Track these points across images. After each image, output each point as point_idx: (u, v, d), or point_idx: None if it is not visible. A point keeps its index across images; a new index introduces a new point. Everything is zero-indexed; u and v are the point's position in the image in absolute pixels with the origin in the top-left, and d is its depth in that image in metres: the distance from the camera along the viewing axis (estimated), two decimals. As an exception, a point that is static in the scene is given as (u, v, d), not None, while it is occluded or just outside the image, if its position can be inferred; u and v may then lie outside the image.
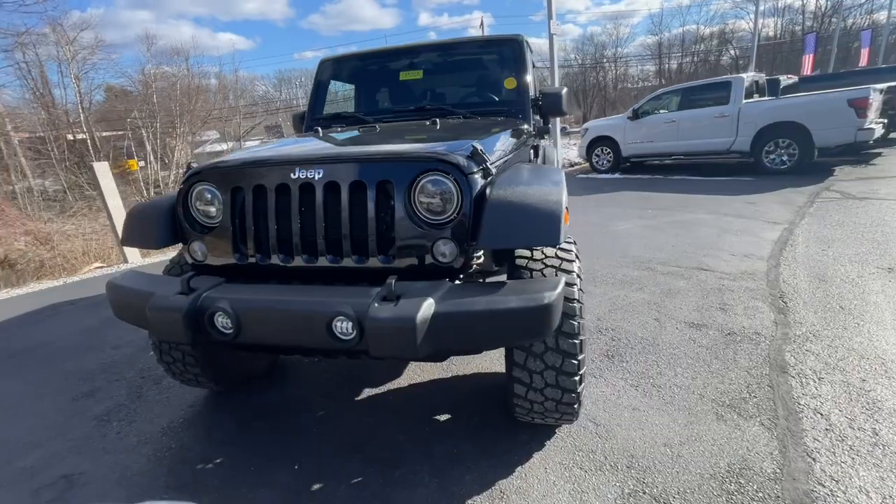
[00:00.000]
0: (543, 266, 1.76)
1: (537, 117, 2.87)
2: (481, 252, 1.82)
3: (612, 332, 2.88)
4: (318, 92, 3.17)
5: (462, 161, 1.60)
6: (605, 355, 2.63)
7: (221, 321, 1.58)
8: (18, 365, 3.11)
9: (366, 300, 1.44)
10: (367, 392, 2.44)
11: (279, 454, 2.00)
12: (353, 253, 1.67)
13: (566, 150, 15.89)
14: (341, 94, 3.26)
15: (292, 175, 1.68)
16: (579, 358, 1.68)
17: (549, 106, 2.79)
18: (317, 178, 1.67)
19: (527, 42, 3.04)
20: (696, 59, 44.41)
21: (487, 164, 1.65)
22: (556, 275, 1.70)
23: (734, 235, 4.82)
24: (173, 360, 2.15)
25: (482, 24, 37.96)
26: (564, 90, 2.77)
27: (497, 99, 2.96)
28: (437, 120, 2.28)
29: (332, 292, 1.55)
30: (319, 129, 2.60)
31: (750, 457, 1.81)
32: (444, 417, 2.18)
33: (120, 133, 26.69)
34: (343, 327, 1.46)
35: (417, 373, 2.58)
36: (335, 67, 3.19)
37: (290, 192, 1.69)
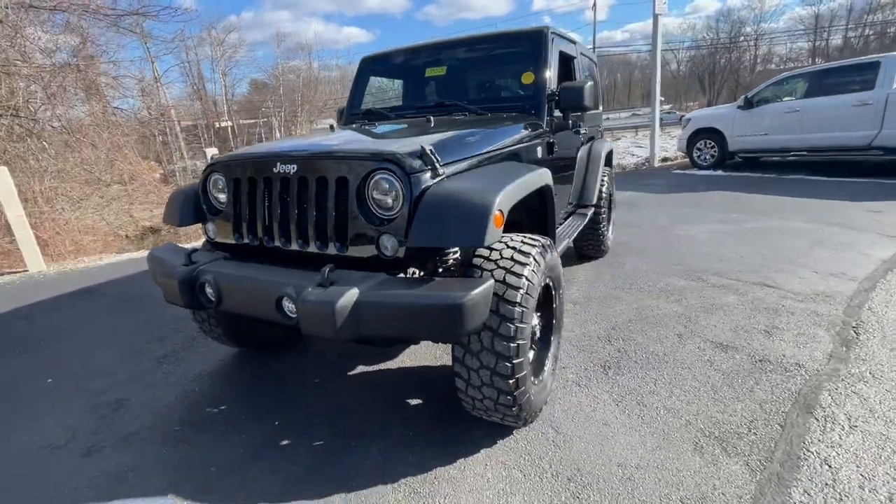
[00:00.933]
0: (495, 267, 1.76)
1: (558, 112, 2.76)
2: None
3: (622, 343, 2.71)
4: (357, 88, 3.41)
5: (406, 161, 1.67)
6: (601, 366, 2.50)
7: (208, 290, 1.89)
8: (127, 308, 3.92)
9: (306, 284, 1.61)
10: (361, 369, 2.65)
11: (270, 411, 2.30)
12: (316, 240, 1.85)
13: (664, 141, 14.50)
14: (377, 88, 3.46)
15: (274, 169, 1.92)
16: (514, 361, 1.68)
17: (567, 101, 2.67)
18: (291, 172, 1.88)
19: (556, 35, 2.92)
20: (867, 33, 36.78)
21: (437, 164, 1.70)
22: (505, 277, 1.70)
23: (829, 250, 4.08)
24: (202, 320, 2.58)
25: (595, 6, 35.72)
26: (588, 84, 2.62)
27: (513, 94, 2.91)
28: (432, 118, 2.35)
29: (289, 274, 1.75)
30: (353, 124, 2.85)
31: (712, 496, 1.64)
32: (415, 402, 2.30)
33: (255, 121, 30.73)
34: (289, 306, 1.66)
35: (411, 357, 2.72)
36: (372, 65, 3.39)
37: (273, 183, 1.93)
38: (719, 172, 9.01)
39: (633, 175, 9.92)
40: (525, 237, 1.91)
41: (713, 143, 9.42)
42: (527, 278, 1.72)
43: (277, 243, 1.95)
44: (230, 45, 29.69)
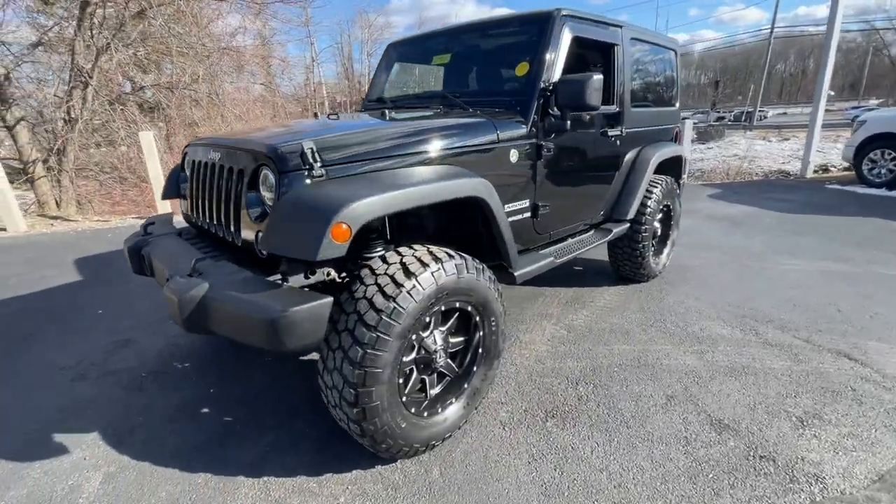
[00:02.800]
0: (373, 283, 1.61)
1: (556, 111, 2.35)
2: None
3: (589, 391, 2.28)
4: (377, 74, 3.36)
5: (281, 159, 1.60)
6: (545, 411, 2.14)
7: (147, 262, 2.09)
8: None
9: (183, 269, 1.67)
10: (315, 356, 2.70)
11: (214, 377, 2.49)
12: (225, 228, 1.91)
13: (825, 147, 11.59)
14: (399, 75, 3.37)
15: (208, 156, 2.01)
16: (360, 390, 1.53)
17: (565, 97, 2.25)
18: (216, 160, 1.95)
19: (572, 18, 2.46)
20: None
21: (315, 164, 1.59)
22: (373, 296, 1.55)
23: None
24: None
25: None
26: (593, 77, 2.17)
27: (506, 88, 2.56)
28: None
29: (189, 258, 1.84)
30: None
31: None
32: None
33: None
34: (174, 287, 1.75)
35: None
36: (396, 51, 3.30)
37: (207, 169, 2.03)
38: (894, 193, 6.91)
39: (766, 186, 8.16)
40: (427, 252, 1.70)
41: (895, 154, 7.23)
42: (396, 302, 1.53)
43: (206, 226, 2.06)
44: (377, 28, 31.96)
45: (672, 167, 3.69)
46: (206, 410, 2.22)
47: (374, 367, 1.52)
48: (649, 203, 3.26)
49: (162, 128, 10.79)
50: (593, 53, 3.10)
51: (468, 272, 1.76)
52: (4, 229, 6.61)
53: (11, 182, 10.03)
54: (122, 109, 9.77)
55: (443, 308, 1.76)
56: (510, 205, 2.31)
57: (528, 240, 2.53)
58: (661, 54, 3.52)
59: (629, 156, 3.19)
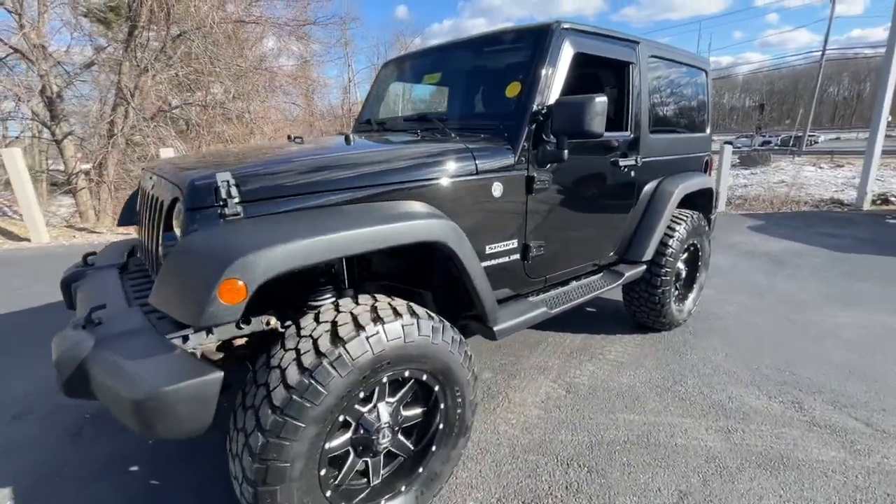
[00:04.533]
0: (293, 347, 1.30)
1: (552, 139, 2.01)
2: None
3: (584, 476, 1.86)
4: (370, 94, 3.13)
5: (190, 193, 1.33)
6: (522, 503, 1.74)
7: (75, 299, 1.87)
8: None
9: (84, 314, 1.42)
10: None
11: (182, 451, 2.23)
12: (150, 266, 1.66)
13: (885, 176, 10.59)
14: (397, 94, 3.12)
15: (149, 182, 1.79)
16: (260, 489, 1.20)
17: (561, 122, 1.90)
18: (150, 188, 1.72)
19: (574, 32, 2.13)
20: None
21: (229, 200, 1.31)
22: (287, 366, 1.24)
23: None
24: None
25: (836, -5, 28.32)
26: (595, 100, 1.82)
27: (495, 110, 2.24)
28: (352, 136, 1.90)
29: (102, 298, 1.59)
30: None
31: None
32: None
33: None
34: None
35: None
36: (390, 70, 3.05)
37: (146, 197, 1.80)
38: (969, 232, 6.08)
39: (815, 218, 7.41)
40: (369, 309, 1.39)
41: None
42: (314, 378, 1.22)
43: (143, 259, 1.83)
44: (412, 48, 32.65)
45: (701, 200, 3.25)
46: (135, 468, 1.95)
47: (278, 460, 1.19)
48: (671, 242, 2.82)
49: (194, 145, 11.10)
50: (606, 73, 2.75)
51: (420, 334, 1.42)
52: (28, 240, 6.79)
53: (55, 193, 10.52)
54: (155, 126, 10.11)
55: (386, 379, 1.43)
56: (493, 245, 1.97)
57: (516, 285, 2.17)
58: (688, 75, 3.12)
59: (647, 188, 2.78)
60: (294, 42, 13.07)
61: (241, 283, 1.12)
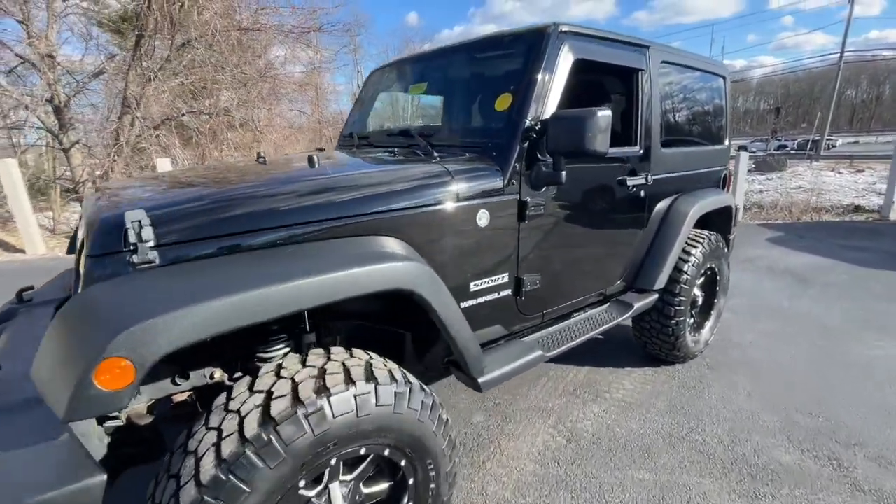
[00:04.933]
0: (218, 424, 1.06)
1: (548, 158, 1.75)
2: None
3: (582, 557, 1.58)
4: (355, 105, 2.89)
5: (96, 233, 1.10)
6: (511, 593, 1.47)
7: None
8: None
9: None
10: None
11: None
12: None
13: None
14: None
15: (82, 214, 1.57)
16: None
17: (558, 140, 1.64)
18: (78, 222, 1.49)
19: (573, 36, 1.86)
20: None
21: (142, 243, 1.07)
22: (204, 454, 0.99)
23: None
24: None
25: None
26: (597, 114, 1.56)
27: (484, 126, 1.99)
28: (315, 157, 1.65)
29: (15, 348, 1.37)
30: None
31: None
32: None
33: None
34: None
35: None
36: (378, 78, 2.82)
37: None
38: None
39: (840, 229, 7.00)
40: (316, 375, 1.14)
41: None
42: (233, 473, 0.97)
43: None
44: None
45: (719, 219, 2.95)
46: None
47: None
48: (685, 268, 2.53)
49: (197, 153, 11.05)
50: (611, 81, 2.48)
51: (378, 404, 1.17)
52: (24, 251, 6.69)
53: (67, 199, 10.51)
54: (157, 135, 10.07)
55: (336, 460, 1.17)
56: (479, 282, 1.71)
57: (508, 323, 1.90)
58: (704, 81, 2.83)
59: (659, 208, 2.50)
60: (301, 49, 13.03)
61: (126, 363, 0.88)
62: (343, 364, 1.21)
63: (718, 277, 2.94)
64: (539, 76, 1.75)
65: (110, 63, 11.01)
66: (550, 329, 2.08)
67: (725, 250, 2.89)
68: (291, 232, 1.29)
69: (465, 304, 1.68)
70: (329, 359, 1.23)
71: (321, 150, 2.61)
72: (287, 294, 1.07)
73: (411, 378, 1.31)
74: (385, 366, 1.28)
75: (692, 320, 2.85)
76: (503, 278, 1.78)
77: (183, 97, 11.66)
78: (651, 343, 2.75)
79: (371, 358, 1.30)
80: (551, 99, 1.78)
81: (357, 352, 1.32)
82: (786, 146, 35.06)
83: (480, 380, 1.61)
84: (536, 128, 1.71)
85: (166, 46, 10.51)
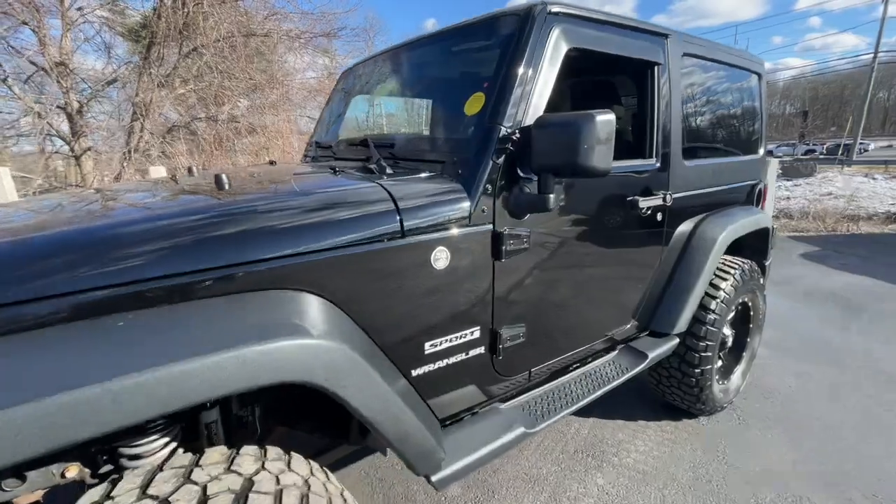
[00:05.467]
0: None
1: (532, 177, 1.33)
2: None
3: None
4: (325, 108, 2.51)
5: None
6: None
7: None
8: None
9: None
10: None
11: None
12: None
13: None
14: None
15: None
16: None
17: (544, 154, 1.23)
18: None
19: (566, 17, 1.44)
20: None
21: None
22: None
23: None
24: None
25: (888, -6, 26.40)
26: (598, 119, 1.15)
27: (449, 135, 1.57)
28: (225, 178, 1.27)
29: None
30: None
31: None
32: None
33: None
34: None
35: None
36: (342, 80, 2.43)
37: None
38: None
39: (882, 243, 6.33)
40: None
41: None
42: None
43: None
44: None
45: (753, 243, 2.47)
46: None
47: None
48: (713, 306, 2.07)
49: (206, 160, 10.94)
50: (620, 79, 2.05)
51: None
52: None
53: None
54: (161, 142, 10.00)
55: None
56: (437, 341, 1.30)
57: (483, 387, 1.48)
58: (736, 79, 2.37)
59: (680, 233, 2.04)
60: (310, 54, 12.89)
61: None
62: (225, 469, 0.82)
63: (752, 313, 2.46)
64: (520, 70, 1.34)
65: (123, 70, 11.04)
66: (540, 391, 1.65)
67: (761, 280, 2.41)
68: (151, 289, 0.90)
69: (417, 372, 1.28)
70: (199, 462, 0.85)
71: (272, 163, 2.24)
72: (100, 404, 0.69)
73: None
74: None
75: (720, 363, 2.38)
76: (472, 333, 1.36)
77: (191, 104, 11.63)
78: (670, 393, 2.29)
79: (312, 472, 0.92)
80: (537, 100, 1.37)
81: (296, 461, 0.93)
82: (814, 150, 33.72)
83: (434, 478, 1.20)
84: (516, 137, 1.30)
85: (177, 53, 10.51)
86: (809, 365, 2.93)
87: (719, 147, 2.33)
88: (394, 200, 1.18)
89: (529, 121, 1.33)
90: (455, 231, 1.25)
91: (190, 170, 1.78)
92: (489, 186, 1.30)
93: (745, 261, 2.31)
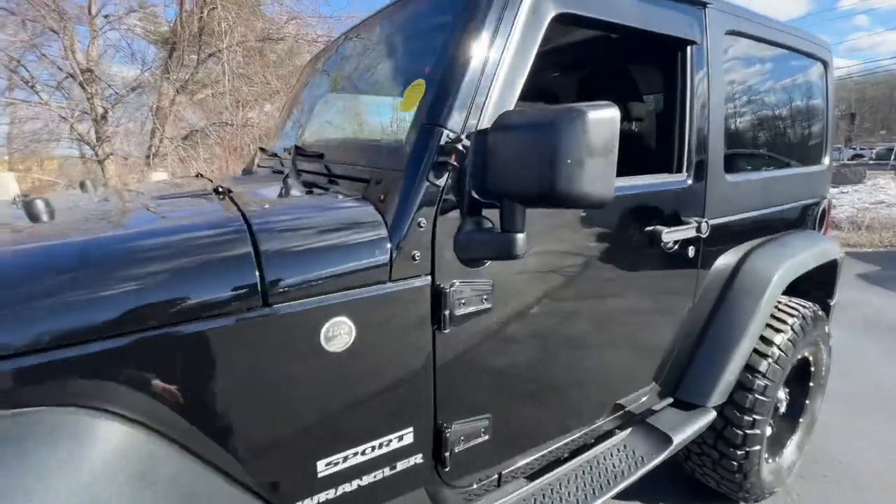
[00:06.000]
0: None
1: (491, 201, 0.88)
2: None
3: None
4: (285, 106, 2.12)
5: None
6: None
7: None
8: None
9: None
10: None
11: None
12: None
13: None
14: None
15: None
16: None
17: (505, 172, 0.79)
18: None
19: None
20: None
21: None
22: None
23: None
24: None
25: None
26: (591, 117, 0.70)
27: (373, 143, 1.13)
28: (41, 204, 0.87)
29: None
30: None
31: None
32: None
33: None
34: None
35: None
36: (300, 76, 2.03)
37: None
38: None
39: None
40: None
41: None
42: None
43: None
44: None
45: (815, 277, 1.92)
46: None
47: None
48: (764, 366, 1.55)
49: (215, 165, 10.91)
50: (639, 66, 1.57)
51: None
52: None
53: None
54: (175, 147, 10.04)
55: None
56: (342, 455, 0.85)
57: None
58: (796, 68, 1.84)
59: (718, 270, 1.54)
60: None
61: None
62: None
63: (813, 368, 1.91)
64: (475, 44, 0.89)
65: (145, 76, 11.20)
66: (514, 497, 1.18)
67: (827, 329, 1.86)
68: None
69: (313, 501, 0.84)
70: None
71: (199, 175, 1.85)
72: None
73: None
74: None
75: (770, 431, 1.84)
76: (400, 439, 0.91)
77: (209, 109, 11.70)
78: (703, 474, 1.77)
79: None
80: (503, 90, 0.91)
81: None
82: (861, 155, 31.62)
83: None
84: (465, 146, 0.85)
85: (194, 60, 10.62)
86: (883, 422, 2.33)
87: (773, 155, 1.80)
88: (254, 244, 0.74)
89: (489, 121, 0.87)
90: (365, 290, 0.81)
91: (82, 185, 1.41)
92: (423, 221, 0.85)
93: (807, 304, 1.77)
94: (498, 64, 0.90)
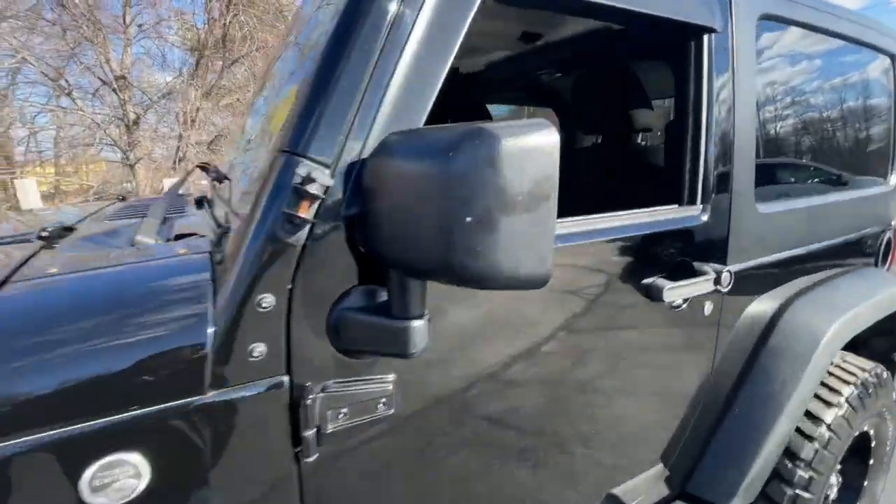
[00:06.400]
0: None
1: (384, 260, 0.59)
2: None
3: None
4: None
5: None
6: None
7: None
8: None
9: None
10: None
11: None
12: None
13: None
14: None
15: None
16: None
17: (387, 232, 0.50)
18: None
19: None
20: None
21: None
22: None
23: None
24: None
25: None
26: (505, 144, 0.41)
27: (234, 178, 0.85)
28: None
29: None
30: None
31: None
32: None
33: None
34: None
35: None
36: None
37: None
38: None
39: None
40: None
41: None
42: None
43: None
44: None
45: (878, 327, 1.52)
46: None
47: None
48: (809, 452, 1.18)
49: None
50: (637, 62, 1.24)
51: None
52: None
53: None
54: (198, 152, 10.29)
55: None
56: None
57: None
58: (852, 63, 1.46)
59: (746, 325, 1.18)
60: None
61: None
62: None
63: (874, 444, 1.50)
64: (358, 24, 0.59)
65: (175, 82, 11.54)
66: None
67: (894, 395, 1.46)
68: None
69: None
70: None
71: (122, 198, 1.62)
72: None
73: None
74: None
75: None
76: None
77: (237, 113, 11.97)
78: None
79: None
80: (406, 96, 0.61)
81: None
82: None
83: None
84: (322, 183, 0.55)
85: (219, 66, 10.89)
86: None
87: (821, 176, 1.42)
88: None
89: (372, 143, 0.58)
90: (162, 407, 0.53)
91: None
92: (267, 298, 0.56)
93: (867, 365, 1.37)
94: (399, 54, 0.60)
